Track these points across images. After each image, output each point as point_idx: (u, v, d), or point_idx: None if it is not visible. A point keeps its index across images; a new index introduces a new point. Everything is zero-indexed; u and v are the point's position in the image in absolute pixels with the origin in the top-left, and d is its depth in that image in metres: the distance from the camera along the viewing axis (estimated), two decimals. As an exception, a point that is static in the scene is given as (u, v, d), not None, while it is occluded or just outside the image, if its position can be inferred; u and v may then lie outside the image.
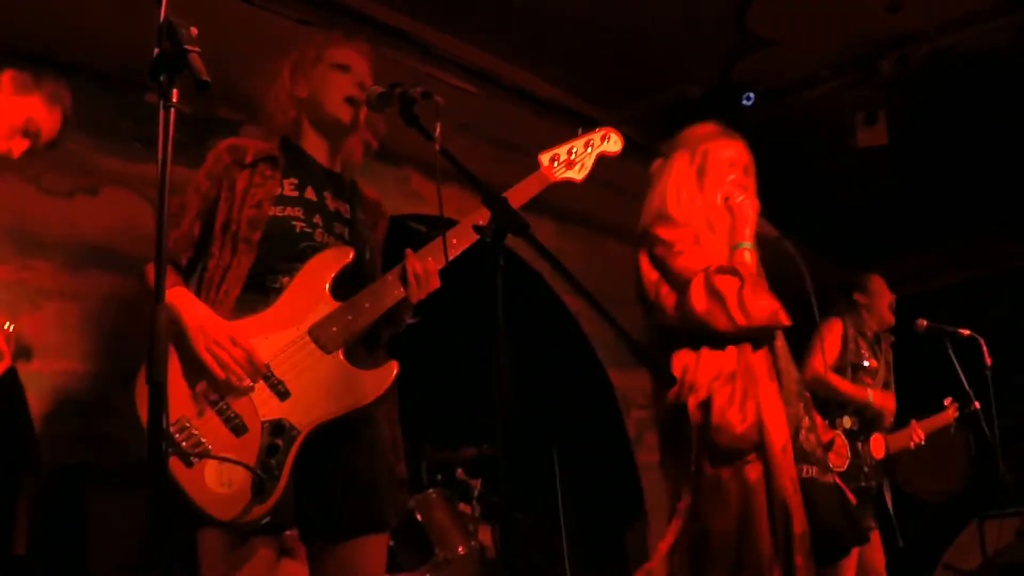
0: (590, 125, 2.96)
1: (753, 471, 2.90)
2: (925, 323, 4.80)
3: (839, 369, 4.74)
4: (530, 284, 6.03)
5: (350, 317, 2.51)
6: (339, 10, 4.40)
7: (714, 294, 2.93)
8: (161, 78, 1.78)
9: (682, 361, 3.02)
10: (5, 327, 3.21)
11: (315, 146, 2.72)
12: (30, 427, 4.45)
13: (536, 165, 2.76)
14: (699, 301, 2.90)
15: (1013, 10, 4.95)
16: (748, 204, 3.06)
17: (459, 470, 4.85)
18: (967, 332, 4.80)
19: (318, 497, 2.52)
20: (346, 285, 2.55)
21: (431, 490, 4.41)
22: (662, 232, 3.08)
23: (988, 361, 4.68)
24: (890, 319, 4.84)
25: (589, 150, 2.88)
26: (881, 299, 4.90)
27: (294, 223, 2.58)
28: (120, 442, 4.54)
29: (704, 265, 2.97)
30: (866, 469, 4.59)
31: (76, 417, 4.64)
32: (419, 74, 4.55)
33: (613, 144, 2.95)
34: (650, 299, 3.05)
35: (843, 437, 4.58)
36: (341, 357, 2.47)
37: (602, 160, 2.97)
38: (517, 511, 5.37)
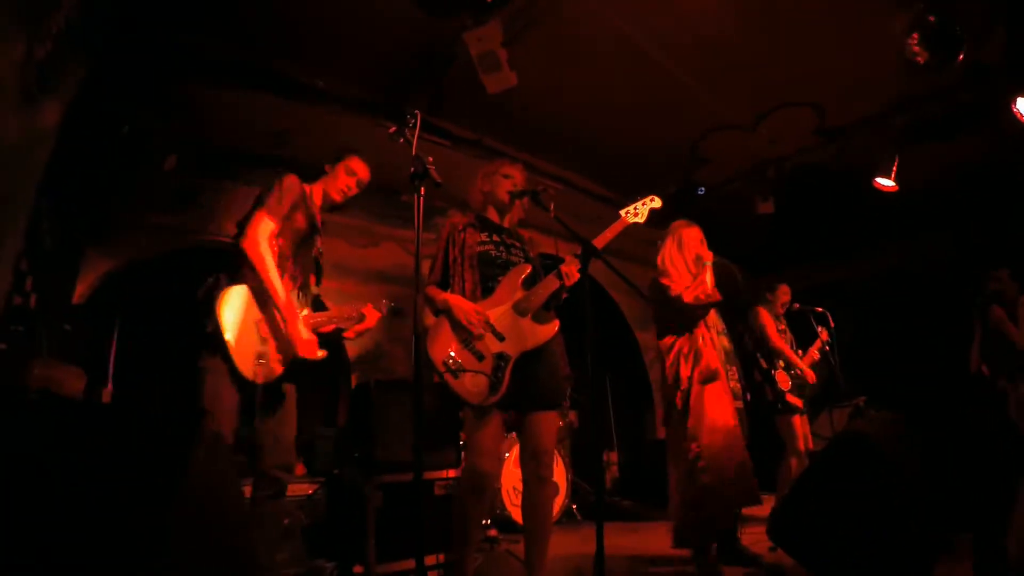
0: (644, 194, 3.45)
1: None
2: (797, 305, 5.93)
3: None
4: (597, 292, 7.54)
5: (532, 298, 3.09)
6: (499, 153, 5.89)
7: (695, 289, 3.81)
8: (415, 182, 2.52)
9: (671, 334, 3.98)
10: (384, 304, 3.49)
11: (493, 214, 3.43)
12: (346, 356, 5.90)
13: (611, 219, 3.30)
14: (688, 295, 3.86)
15: (830, 141, 6.48)
16: (708, 267, 3.92)
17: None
18: (820, 309, 5.87)
19: (524, 389, 3.03)
20: (529, 281, 3.18)
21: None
22: (664, 280, 4.08)
23: (831, 324, 5.81)
24: (786, 305, 5.92)
25: (644, 207, 3.38)
26: (783, 296, 5.92)
27: (491, 252, 3.25)
28: (391, 368, 6.19)
29: (681, 290, 3.90)
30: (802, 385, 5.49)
31: (370, 357, 6.13)
32: (533, 179, 4.15)
33: (655, 203, 3.40)
34: (661, 298, 3.95)
35: (784, 373, 5.49)
36: (530, 319, 3.05)
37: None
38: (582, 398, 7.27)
